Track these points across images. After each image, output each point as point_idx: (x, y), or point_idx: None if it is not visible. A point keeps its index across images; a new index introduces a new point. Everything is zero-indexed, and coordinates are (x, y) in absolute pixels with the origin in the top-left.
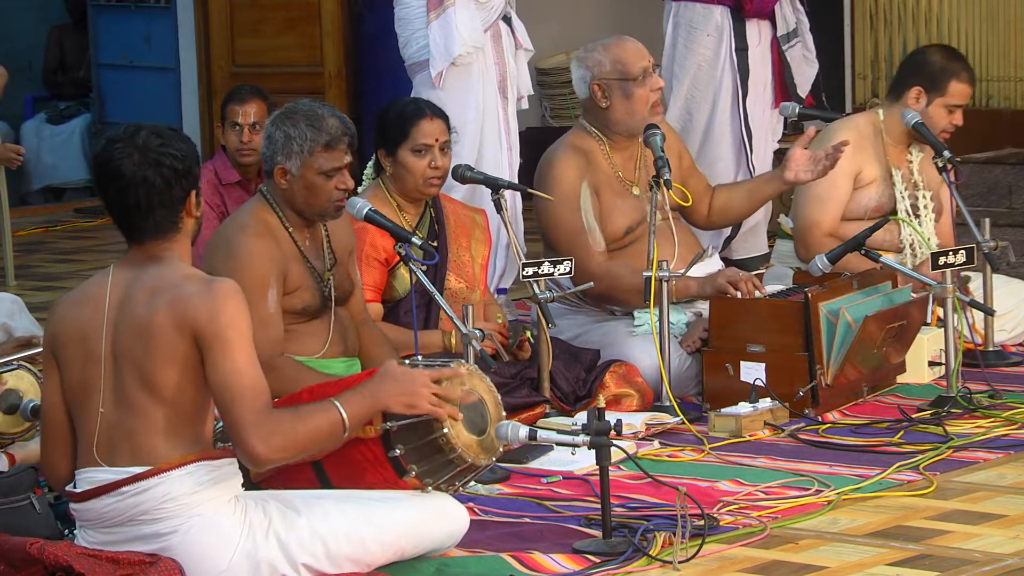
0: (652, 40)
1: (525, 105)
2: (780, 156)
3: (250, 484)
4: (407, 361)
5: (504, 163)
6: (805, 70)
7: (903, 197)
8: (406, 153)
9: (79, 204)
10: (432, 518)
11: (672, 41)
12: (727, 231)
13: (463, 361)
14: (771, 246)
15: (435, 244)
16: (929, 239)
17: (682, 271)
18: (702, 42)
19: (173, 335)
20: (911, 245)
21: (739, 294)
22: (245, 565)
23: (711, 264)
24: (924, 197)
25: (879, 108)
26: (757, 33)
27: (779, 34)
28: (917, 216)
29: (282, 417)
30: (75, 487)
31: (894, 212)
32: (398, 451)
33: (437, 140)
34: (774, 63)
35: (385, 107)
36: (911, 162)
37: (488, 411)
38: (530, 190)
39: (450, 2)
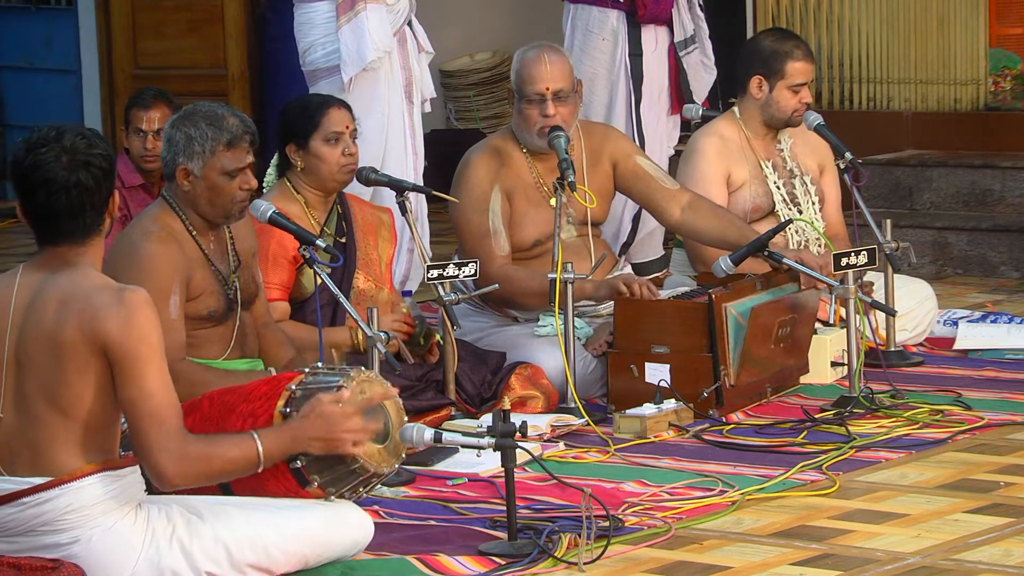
0: (554, 43)
1: (428, 109)
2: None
3: (153, 490)
4: (306, 369)
5: (409, 167)
6: (703, 77)
7: (778, 188)
8: (319, 143)
9: None
10: (337, 527)
11: (569, 44)
12: (624, 237)
13: (362, 368)
14: (669, 249)
15: (343, 241)
16: (814, 223)
17: (584, 275)
18: (597, 46)
19: (83, 349)
20: (805, 243)
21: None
22: (148, 573)
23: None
24: (804, 184)
25: (735, 107)
26: (653, 39)
27: (676, 40)
28: (796, 205)
29: (196, 443)
30: None
31: (773, 208)
32: (299, 463)
33: (347, 127)
34: (671, 69)
35: (286, 105)
36: (782, 150)
37: (389, 417)
38: (435, 192)
39: (361, 6)
